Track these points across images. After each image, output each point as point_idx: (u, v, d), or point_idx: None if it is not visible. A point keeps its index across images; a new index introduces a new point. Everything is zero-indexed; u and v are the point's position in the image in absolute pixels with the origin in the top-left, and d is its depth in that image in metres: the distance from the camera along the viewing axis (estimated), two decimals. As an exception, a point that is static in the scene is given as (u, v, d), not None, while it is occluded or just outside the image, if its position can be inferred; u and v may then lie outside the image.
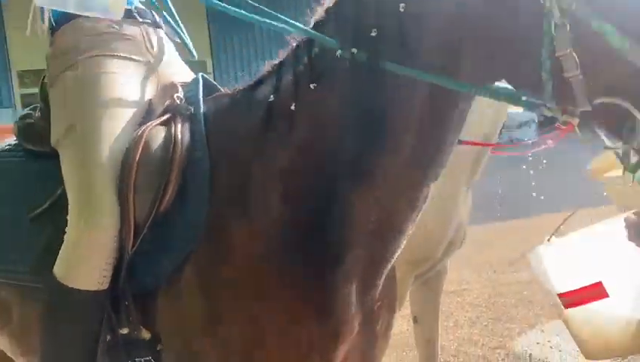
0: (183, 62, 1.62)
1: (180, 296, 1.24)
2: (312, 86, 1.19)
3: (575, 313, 1.61)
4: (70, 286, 1.29)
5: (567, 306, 1.55)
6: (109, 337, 1.31)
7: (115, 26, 1.46)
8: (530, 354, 3.31)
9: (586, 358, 1.80)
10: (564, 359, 3.22)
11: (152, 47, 1.52)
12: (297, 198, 1.21)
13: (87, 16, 1.41)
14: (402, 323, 3.14)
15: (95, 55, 1.42)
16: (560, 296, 1.54)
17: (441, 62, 1.11)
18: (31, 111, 1.60)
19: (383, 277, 1.28)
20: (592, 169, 1.97)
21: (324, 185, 1.20)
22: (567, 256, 1.64)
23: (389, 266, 1.28)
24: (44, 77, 1.52)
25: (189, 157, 1.29)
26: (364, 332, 1.29)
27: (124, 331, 1.29)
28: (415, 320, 2.47)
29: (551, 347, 3.37)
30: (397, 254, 1.25)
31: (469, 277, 4.59)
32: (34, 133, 1.54)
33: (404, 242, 1.25)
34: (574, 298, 1.53)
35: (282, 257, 1.20)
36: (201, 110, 1.36)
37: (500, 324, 3.75)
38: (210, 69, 10.81)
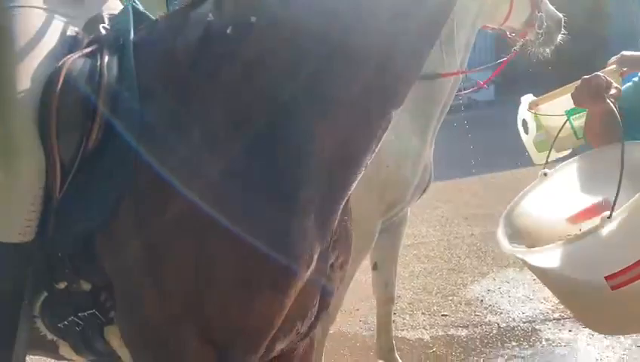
0: None
1: (119, 238, 1.15)
2: None
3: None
4: None
5: (615, 288, 1.30)
6: (46, 293, 1.21)
7: None
8: (482, 301, 3.49)
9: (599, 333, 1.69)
10: (514, 303, 3.41)
11: None
12: (248, 125, 1.10)
13: None
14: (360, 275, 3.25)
15: None
16: (608, 278, 1.30)
17: None
18: None
19: (339, 212, 1.22)
20: (530, 101, 2.07)
21: (278, 111, 1.10)
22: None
23: (345, 201, 1.23)
24: None
25: (116, 91, 1.18)
26: (320, 267, 1.23)
27: (62, 285, 1.19)
28: (375, 266, 2.56)
29: (501, 293, 3.56)
30: (352, 189, 1.21)
31: (425, 232, 4.74)
32: None
33: (360, 176, 1.20)
34: (631, 274, 1.29)
35: (230, 190, 1.11)
36: (131, 39, 1.24)
37: (454, 274, 3.91)
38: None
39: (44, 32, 1.27)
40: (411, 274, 3.92)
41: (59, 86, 1.18)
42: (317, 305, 1.28)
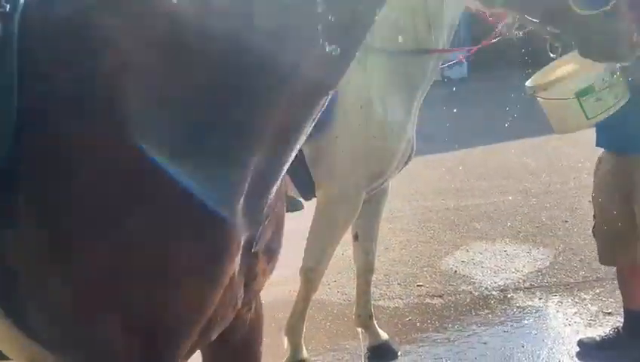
0: None
1: (19, 225, 1.02)
2: None
3: None
4: None
5: None
6: None
7: None
8: (456, 271, 3.60)
9: None
10: (486, 274, 3.53)
11: None
12: (177, 98, 1.02)
13: None
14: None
15: None
16: None
17: None
18: None
19: (273, 193, 1.16)
20: (532, 85, 2.13)
21: (217, 84, 1.02)
22: None
23: (278, 182, 1.17)
24: None
25: None
26: (246, 249, 1.14)
27: None
28: (356, 236, 2.62)
29: (474, 264, 3.68)
30: (286, 168, 1.17)
31: (400, 206, 4.82)
32: None
33: (293, 156, 1.16)
34: None
35: (149, 165, 0.99)
36: (19, 6, 1.08)
37: (428, 246, 4.01)
38: None
39: None
40: (387, 248, 4.00)
41: None
42: (244, 292, 1.21)
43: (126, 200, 1.00)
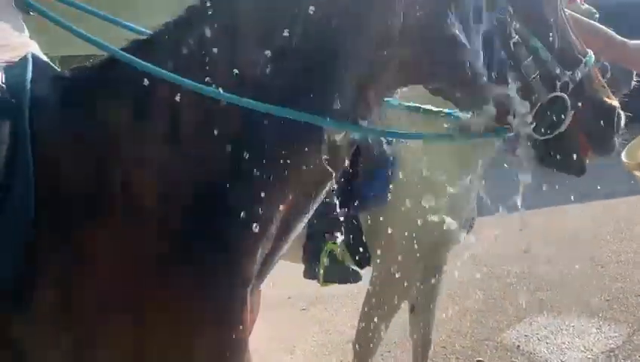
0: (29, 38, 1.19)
1: (37, 323, 0.99)
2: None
3: None
4: None
5: None
6: None
7: None
8: (518, 346, 3.38)
9: None
10: (552, 351, 3.29)
11: None
12: (183, 197, 1.02)
13: None
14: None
15: None
16: None
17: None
18: None
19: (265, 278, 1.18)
20: (630, 162, 1.92)
21: (223, 183, 1.03)
22: None
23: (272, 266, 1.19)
24: None
25: (5, 168, 0.97)
26: None
27: None
28: (412, 309, 2.50)
29: (539, 339, 3.44)
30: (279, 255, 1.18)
31: (459, 270, 4.64)
32: None
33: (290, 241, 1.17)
34: None
35: (166, 261, 1.01)
36: (27, 100, 1.02)
37: (490, 317, 3.80)
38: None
39: None
40: (444, 315, 3.83)
41: None
42: None
43: (134, 302, 1.00)
